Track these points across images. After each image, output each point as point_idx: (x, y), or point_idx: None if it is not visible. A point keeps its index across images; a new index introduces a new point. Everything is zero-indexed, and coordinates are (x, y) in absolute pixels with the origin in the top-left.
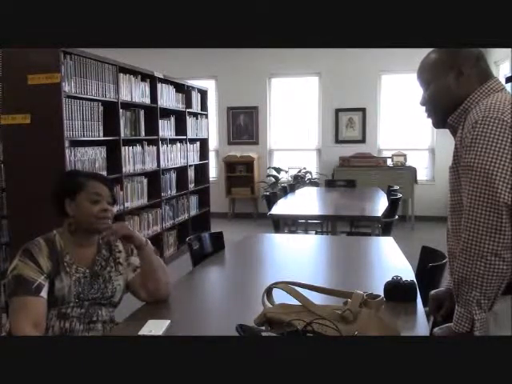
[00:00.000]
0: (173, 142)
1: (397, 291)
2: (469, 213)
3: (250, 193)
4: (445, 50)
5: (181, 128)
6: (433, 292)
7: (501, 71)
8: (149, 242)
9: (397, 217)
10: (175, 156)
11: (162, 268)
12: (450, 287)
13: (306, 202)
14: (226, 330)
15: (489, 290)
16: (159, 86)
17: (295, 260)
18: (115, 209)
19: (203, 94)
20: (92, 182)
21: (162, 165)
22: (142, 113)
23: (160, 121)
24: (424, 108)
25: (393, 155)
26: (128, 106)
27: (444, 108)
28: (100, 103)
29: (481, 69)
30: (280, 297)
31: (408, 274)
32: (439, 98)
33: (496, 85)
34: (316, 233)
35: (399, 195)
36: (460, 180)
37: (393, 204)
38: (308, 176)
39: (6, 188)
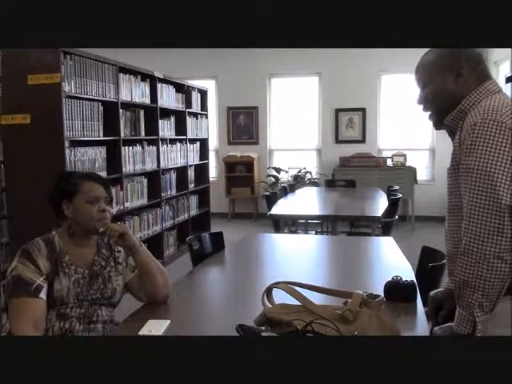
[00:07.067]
0: (173, 141)
1: (397, 291)
2: (470, 215)
3: (250, 193)
4: (445, 50)
5: (181, 128)
6: (432, 293)
7: (501, 71)
8: (143, 245)
9: (397, 217)
10: (175, 156)
11: (160, 271)
12: (449, 287)
13: (306, 202)
14: (226, 330)
15: (491, 293)
16: (159, 85)
17: (295, 260)
18: (114, 208)
19: (203, 94)
20: (87, 182)
21: (162, 165)
22: (141, 113)
23: (160, 121)
24: (422, 107)
25: (393, 155)
26: (128, 106)
27: (441, 108)
28: (100, 103)
29: (480, 71)
30: (280, 297)
31: (408, 273)
32: (436, 98)
33: (493, 86)
34: (316, 233)
35: (399, 195)
36: (459, 182)
37: (393, 204)
38: (308, 176)
39: (6, 188)
